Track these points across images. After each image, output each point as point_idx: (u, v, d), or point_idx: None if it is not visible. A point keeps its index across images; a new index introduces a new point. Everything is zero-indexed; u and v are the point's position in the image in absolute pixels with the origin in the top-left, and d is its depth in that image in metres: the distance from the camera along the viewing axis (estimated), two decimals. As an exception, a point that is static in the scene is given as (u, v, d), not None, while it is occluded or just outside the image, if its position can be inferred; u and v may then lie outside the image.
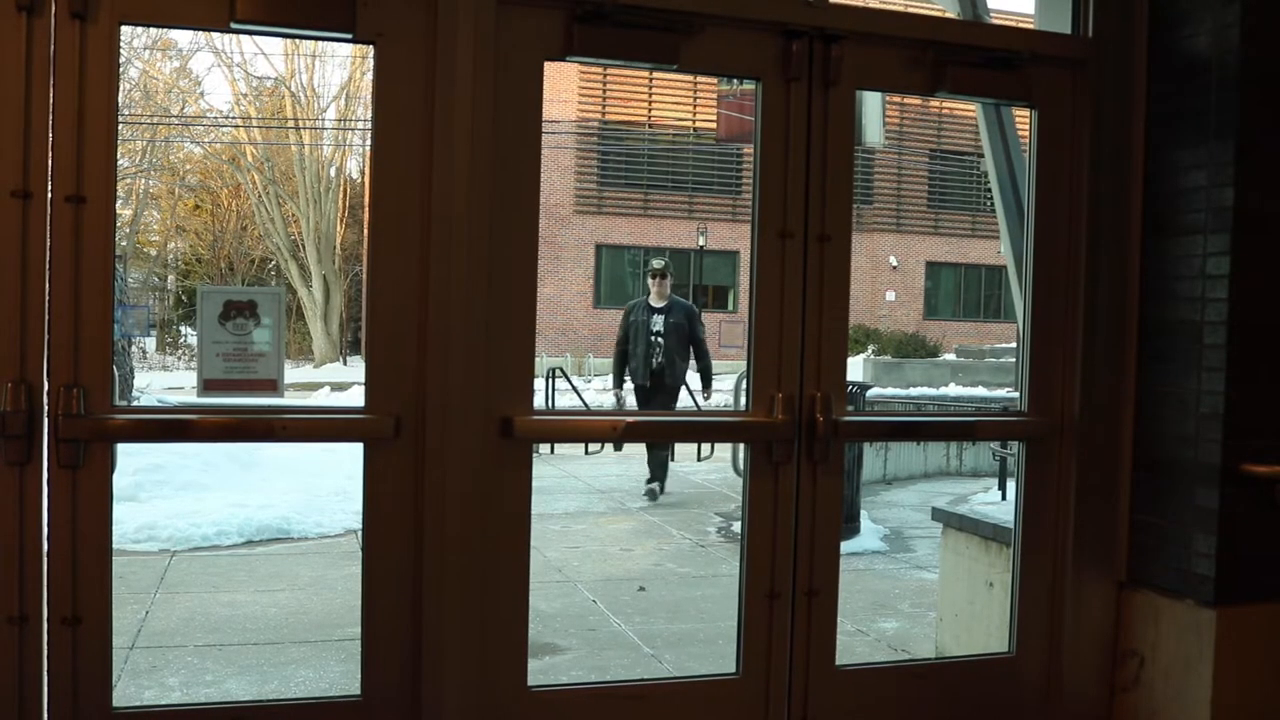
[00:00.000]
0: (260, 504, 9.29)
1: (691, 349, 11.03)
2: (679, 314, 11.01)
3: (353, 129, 33.64)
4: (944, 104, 28.82)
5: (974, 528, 5.49)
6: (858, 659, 5.42)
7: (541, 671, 5.11)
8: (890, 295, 32.78)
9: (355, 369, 28.49)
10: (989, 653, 4.63)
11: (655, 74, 28.56)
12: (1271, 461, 3.69)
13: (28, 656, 3.13)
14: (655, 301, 11.01)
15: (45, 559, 3.13)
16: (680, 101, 29.87)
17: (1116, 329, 4.11)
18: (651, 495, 10.91)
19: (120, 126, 3.22)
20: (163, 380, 24.04)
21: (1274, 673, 3.83)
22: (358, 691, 3.48)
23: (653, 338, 10.82)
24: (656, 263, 11.87)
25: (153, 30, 26.36)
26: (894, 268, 32.92)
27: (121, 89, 3.25)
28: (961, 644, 5.37)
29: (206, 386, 3.34)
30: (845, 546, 5.42)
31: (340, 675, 5.36)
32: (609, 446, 11.37)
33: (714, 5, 3.69)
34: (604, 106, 30.00)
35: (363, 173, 33.21)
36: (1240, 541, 3.76)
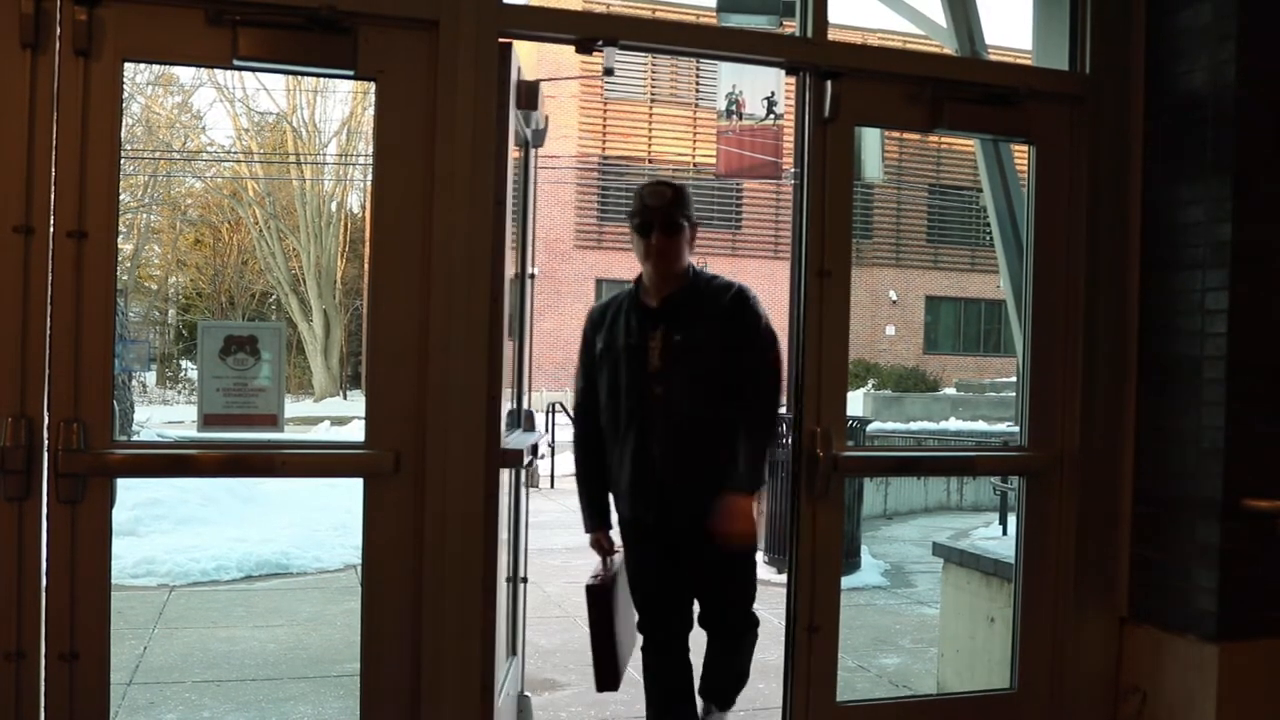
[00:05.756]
0: (259, 539, 9.27)
1: (738, 402, 3.63)
2: (708, 318, 3.66)
3: (354, 164, 33.75)
4: (943, 139, 28.99)
5: (975, 563, 5.47)
6: (859, 695, 5.38)
7: (541, 707, 5.06)
8: (890, 329, 32.79)
9: (355, 403, 28.46)
10: (991, 689, 4.61)
11: (655, 110, 28.76)
12: (1272, 496, 3.68)
13: (25, 692, 3.11)
14: (651, 289, 3.75)
15: (44, 594, 3.12)
16: (680, 137, 29.96)
17: (1116, 363, 4.12)
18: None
19: (122, 161, 3.23)
20: (163, 414, 24.05)
21: (1277, 709, 3.80)
22: (356, 728, 3.46)
23: (647, 399, 3.67)
24: (649, 194, 3.63)
25: (155, 66, 26.52)
26: (894, 302, 32.95)
27: (124, 124, 3.27)
28: (963, 680, 5.34)
29: (207, 421, 3.35)
30: (846, 581, 5.39)
31: (339, 711, 5.32)
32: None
33: (718, 44, 3.72)
34: (604, 141, 30.10)
35: (364, 207, 33.31)
36: (1242, 577, 3.74)
